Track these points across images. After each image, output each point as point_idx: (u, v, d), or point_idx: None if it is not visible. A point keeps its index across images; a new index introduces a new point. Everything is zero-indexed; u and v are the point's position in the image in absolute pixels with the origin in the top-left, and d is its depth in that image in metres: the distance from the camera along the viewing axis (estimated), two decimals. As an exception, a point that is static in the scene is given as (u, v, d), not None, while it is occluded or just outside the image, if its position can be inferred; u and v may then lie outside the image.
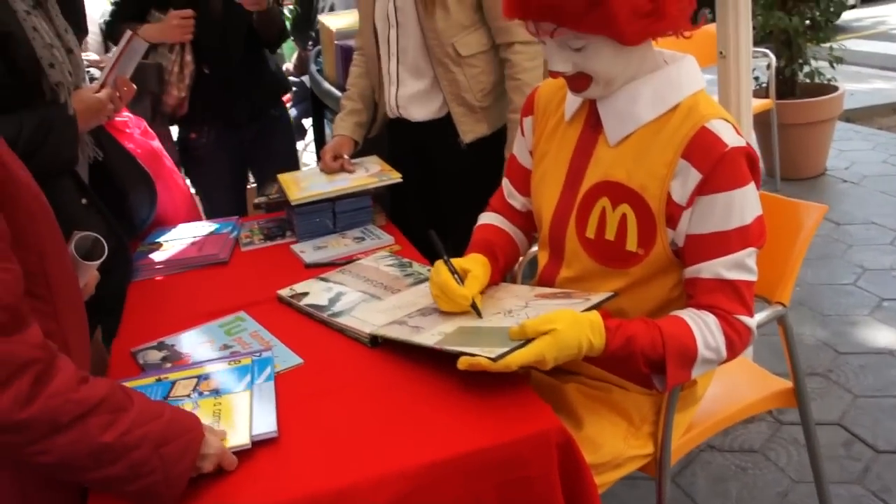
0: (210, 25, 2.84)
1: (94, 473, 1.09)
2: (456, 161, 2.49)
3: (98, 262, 1.42)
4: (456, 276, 1.59)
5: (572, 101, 1.62)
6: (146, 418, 1.13)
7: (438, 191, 2.62)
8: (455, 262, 1.63)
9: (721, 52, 2.69)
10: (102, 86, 1.95)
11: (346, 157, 2.45)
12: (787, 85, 4.70)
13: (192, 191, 3.16)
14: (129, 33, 2.07)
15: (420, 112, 2.49)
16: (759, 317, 1.68)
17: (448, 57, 2.35)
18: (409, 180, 2.43)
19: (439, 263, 1.62)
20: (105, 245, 1.43)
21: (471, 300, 1.57)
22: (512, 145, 2.37)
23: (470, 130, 2.44)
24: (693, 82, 1.51)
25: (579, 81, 1.49)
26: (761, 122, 4.51)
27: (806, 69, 4.73)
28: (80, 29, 2.07)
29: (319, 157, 2.52)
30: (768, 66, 4.46)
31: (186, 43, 2.84)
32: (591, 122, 1.58)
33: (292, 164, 3.24)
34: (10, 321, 1.02)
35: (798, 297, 3.34)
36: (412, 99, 2.48)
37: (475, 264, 1.64)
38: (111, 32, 2.95)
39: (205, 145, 3.04)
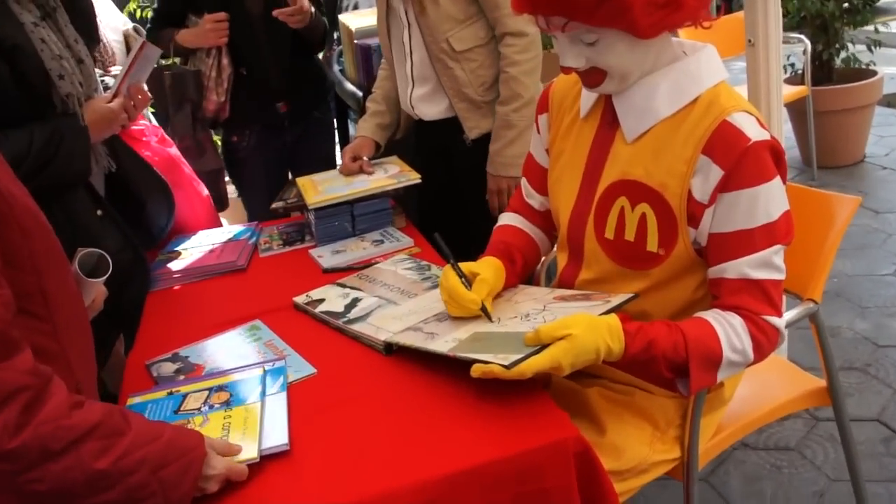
0: (245, 28, 2.81)
1: (91, 500, 1.07)
2: (468, 159, 2.45)
3: (103, 278, 1.40)
4: (464, 280, 1.55)
5: (587, 97, 1.57)
6: (143, 441, 1.11)
7: (462, 192, 2.58)
8: (464, 265, 1.58)
9: (749, 40, 2.61)
10: (115, 95, 1.93)
11: (365, 158, 2.42)
12: (823, 70, 4.58)
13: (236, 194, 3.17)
14: (141, 40, 2.05)
15: (430, 111, 2.46)
16: (789, 315, 1.62)
17: (444, 52, 2.31)
18: (433, 182, 2.38)
19: (447, 268, 1.58)
20: (110, 262, 1.41)
21: (480, 304, 1.52)
22: (496, 139, 2.33)
23: (475, 126, 2.40)
24: (713, 74, 1.45)
25: (593, 77, 1.44)
26: (797, 109, 4.42)
27: (843, 54, 4.60)
28: (92, 39, 2.05)
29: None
30: (804, 52, 4.35)
31: (223, 47, 2.80)
32: (608, 119, 1.53)
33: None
34: None
35: (835, 288, 3.26)
36: (423, 98, 2.45)
37: (485, 268, 1.60)
38: (154, 39, 2.93)
39: (246, 148, 3.01)
